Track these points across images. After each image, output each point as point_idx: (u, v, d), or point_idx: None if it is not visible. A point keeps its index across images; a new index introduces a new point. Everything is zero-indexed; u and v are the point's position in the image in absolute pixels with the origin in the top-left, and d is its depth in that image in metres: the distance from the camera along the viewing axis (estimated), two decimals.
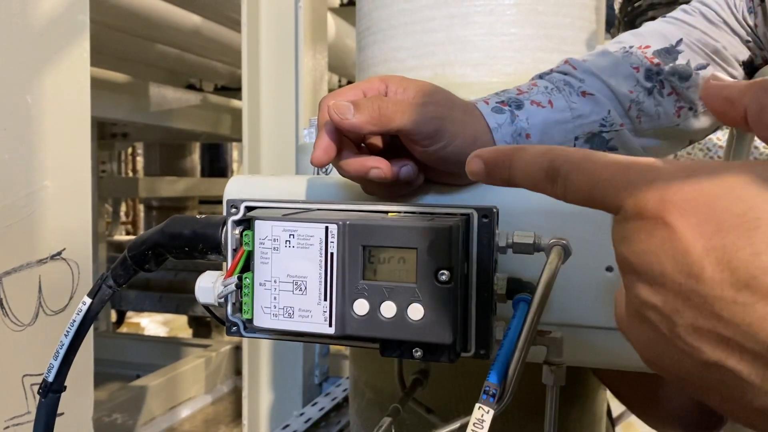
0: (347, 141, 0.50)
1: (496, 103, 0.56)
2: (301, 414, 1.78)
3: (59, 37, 0.84)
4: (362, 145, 0.53)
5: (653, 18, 0.67)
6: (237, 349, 3.98)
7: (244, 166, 1.79)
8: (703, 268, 0.23)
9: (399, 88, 0.51)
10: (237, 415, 3.54)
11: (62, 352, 0.51)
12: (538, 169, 0.32)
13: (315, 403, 1.84)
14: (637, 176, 0.27)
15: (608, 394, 1.00)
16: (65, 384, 0.51)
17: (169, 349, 4.21)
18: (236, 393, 3.86)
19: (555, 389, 0.47)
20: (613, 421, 1.17)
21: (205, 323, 4.97)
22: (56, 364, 0.51)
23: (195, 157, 5.83)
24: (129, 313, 5.67)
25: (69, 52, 0.85)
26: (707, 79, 0.33)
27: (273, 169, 1.81)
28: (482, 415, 0.38)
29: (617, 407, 1.16)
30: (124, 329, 5.53)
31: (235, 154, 7.66)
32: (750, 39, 0.63)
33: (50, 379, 0.51)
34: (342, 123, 0.47)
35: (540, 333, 0.47)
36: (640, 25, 0.66)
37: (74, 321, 0.51)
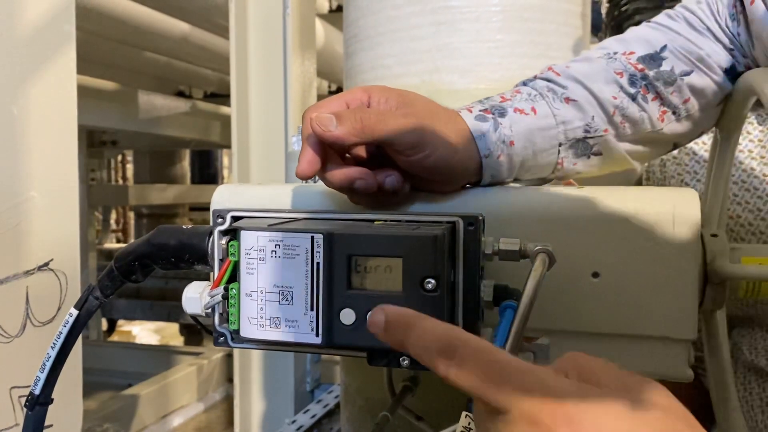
0: (331, 152, 0.51)
1: (480, 111, 0.57)
2: (293, 422, 1.77)
3: (45, 47, 0.84)
4: (347, 155, 0.53)
5: (639, 22, 0.67)
6: (229, 357, 3.96)
7: (234, 173, 1.79)
8: None
9: (381, 98, 0.51)
10: (230, 423, 3.52)
11: (49, 364, 0.50)
12: (434, 341, 0.33)
13: (307, 411, 1.83)
14: (533, 384, 0.29)
15: None
16: (53, 396, 0.51)
17: (161, 357, 4.18)
18: (229, 401, 3.83)
19: None
20: None
21: (197, 331, 4.95)
22: (43, 376, 0.50)
23: (185, 164, 5.81)
24: (120, 322, 5.63)
25: (55, 62, 0.85)
26: None
27: (263, 176, 1.80)
28: (469, 423, 0.38)
29: None
30: (115, 338, 5.49)
31: (225, 161, 7.64)
32: (733, 47, 0.63)
33: (37, 391, 0.50)
34: (325, 135, 0.48)
35: (527, 339, 0.47)
36: (626, 29, 0.67)
37: (61, 333, 0.51)
